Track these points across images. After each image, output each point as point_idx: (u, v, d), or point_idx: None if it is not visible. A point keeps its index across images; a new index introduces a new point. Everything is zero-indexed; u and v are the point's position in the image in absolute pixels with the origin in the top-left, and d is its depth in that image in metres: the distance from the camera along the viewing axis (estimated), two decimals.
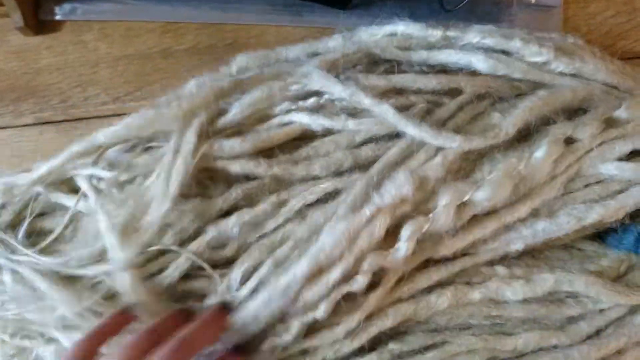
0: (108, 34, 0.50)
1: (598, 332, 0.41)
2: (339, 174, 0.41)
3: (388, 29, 0.44)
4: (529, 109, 0.40)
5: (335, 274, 0.36)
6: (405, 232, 0.37)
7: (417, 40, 0.44)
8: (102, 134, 0.42)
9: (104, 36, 0.50)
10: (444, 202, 0.38)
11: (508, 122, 0.39)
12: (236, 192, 0.41)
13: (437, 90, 0.42)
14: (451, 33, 0.43)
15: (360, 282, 0.37)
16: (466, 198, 0.38)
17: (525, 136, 0.42)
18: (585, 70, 0.42)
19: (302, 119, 0.41)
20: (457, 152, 0.39)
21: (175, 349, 0.32)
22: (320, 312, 0.37)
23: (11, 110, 0.50)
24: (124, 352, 0.32)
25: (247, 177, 0.41)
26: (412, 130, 0.40)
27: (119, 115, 0.49)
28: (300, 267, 0.36)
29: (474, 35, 0.43)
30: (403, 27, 0.43)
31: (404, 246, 0.37)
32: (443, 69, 0.44)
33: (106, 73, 0.50)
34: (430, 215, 0.38)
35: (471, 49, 0.42)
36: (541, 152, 0.39)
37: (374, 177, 0.39)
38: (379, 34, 0.45)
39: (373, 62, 0.44)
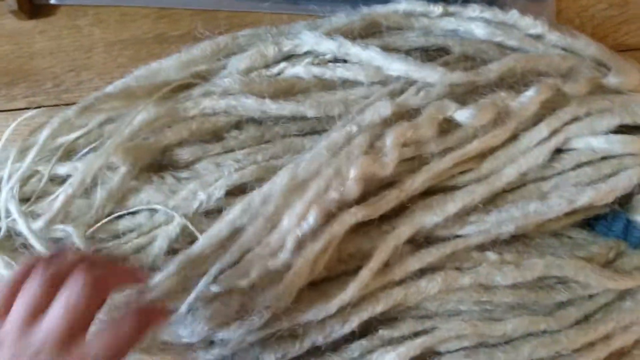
0: (103, 19, 0.50)
1: (587, 318, 0.41)
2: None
3: (391, 7, 0.46)
4: (516, 59, 0.41)
5: (316, 185, 0.37)
6: (389, 137, 0.38)
7: (420, 14, 0.46)
8: None
9: (99, 21, 0.50)
10: (428, 112, 0.39)
11: (493, 65, 0.40)
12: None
13: (426, 48, 0.45)
14: (452, 9, 0.45)
15: (351, 188, 0.37)
16: (449, 114, 0.40)
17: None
18: (577, 45, 0.44)
19: (295, 70, 0.44)
20: (441, 90, 0.41)
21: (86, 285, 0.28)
22: (310, 220, 0.37)
23: (4, 94, 0.49)
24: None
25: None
26: (398, 65, 0.42)
27: None
28: (280, 178, 0.37)
29: (473, 10, 0.45)
30: (405, 5, 0.46)
31: (390, 152, 0.38)
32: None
33: (100, 58, 0.50)
34: (413, 121, 0.39)
35: (471, 19, 0.45)
36: (532, 91, 0.40)
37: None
38: (383, 10, 0.46)
39: (372, 34, 0.45)
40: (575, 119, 0.41)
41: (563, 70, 0.42)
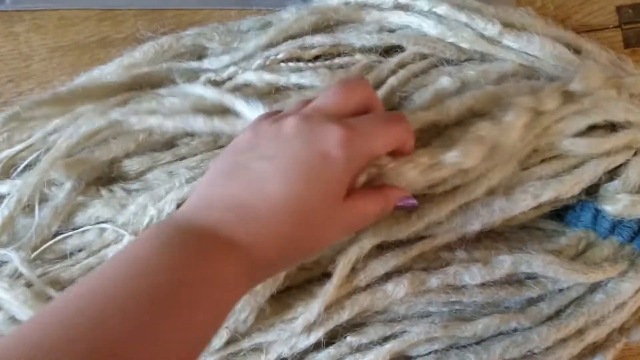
0: (41, 25, 0.47)
1: (558, 313, 0.39)
2: None
3: None
4: (475, 97, 0.38)
5: None
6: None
7: (370, 6, 0.43)
8: None
9: (37, 27, 0.47)
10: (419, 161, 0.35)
11: (452, 103, 0.37)
12: None
13: (379, 47, 0.42)
14: (403, 1, 0.43)
15: None
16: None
17: None
18: (532, 49, 0.41)
19: (245, 76, 0.42)
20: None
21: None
22: None
23: None
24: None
25: None
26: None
27: None
28: None
29: (425, 3, 0.42)
30: None
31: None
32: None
33: (40, 66, 0.46)
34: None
35: (423, 14, 0.42)
36: (510, 116, 0.36)
37: None
38: (333, 2, 0.44)
39: (323, 28, 0.43)
40: (546, 129, 0.38)
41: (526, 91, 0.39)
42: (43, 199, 0.41)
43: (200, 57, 0.44)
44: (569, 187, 0.39)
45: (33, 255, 0.39)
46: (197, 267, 0.26)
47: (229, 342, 0.38)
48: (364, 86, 0.33)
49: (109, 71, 0.42)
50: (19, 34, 0.47)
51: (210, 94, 0.39)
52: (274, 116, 0.32)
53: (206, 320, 0.26)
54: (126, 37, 0.46)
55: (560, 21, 0.47)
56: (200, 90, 0.40)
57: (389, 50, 0.43)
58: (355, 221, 0.33)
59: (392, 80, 0.40)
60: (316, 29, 0.44)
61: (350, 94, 0.32)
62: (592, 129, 0.40)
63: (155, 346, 0.23)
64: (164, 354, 0.23)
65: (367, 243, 0.38)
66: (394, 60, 0.41)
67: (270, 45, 0.43)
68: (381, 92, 0.40)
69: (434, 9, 0.42)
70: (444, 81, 0.39)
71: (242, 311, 0.37)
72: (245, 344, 0.38)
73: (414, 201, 0.36)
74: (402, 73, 0.41)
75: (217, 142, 0.42)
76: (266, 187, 0.29)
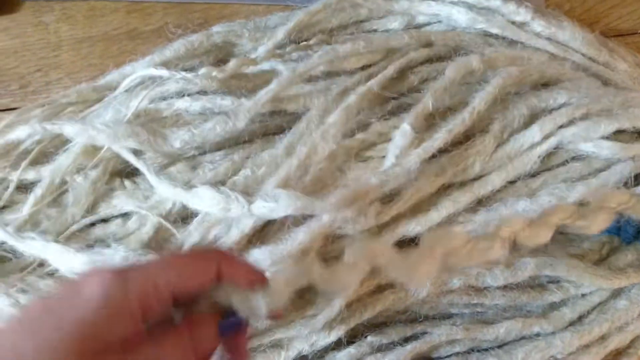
0: (70, 15, 0.47)
1: (580, 318, 0.39)
2: None
3: None
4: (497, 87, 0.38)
5: None
6: None
7: None
8: None
9: (66, 17, 0.47)
10: None
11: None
12: None
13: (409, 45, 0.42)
14: None
15: None
16: None
17: None
18: (562, 36, 0.41)
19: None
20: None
21: None
22: None
23: None
24: None
25: None
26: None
27: None
28: None
29: None
30: None
31: None
32: None
33: (69, 56, 0.46)
34: None
35: (452, 3, 0.42)
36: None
37: None
38: None
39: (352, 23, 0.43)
40: (571, 122, 0.38)
41: (544, 81, 0.40)
42: (67, 189, 0.41)
43: (229, 54, 0.44)
44: (594, 190, 0.38)
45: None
46: None
47: (249, 338, 0.38)
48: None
49: (139, 68, 0.42)
50: (48, 24, 0.46)
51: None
52: None
53: None
54: (154, 29, 0.46)
55: (589, 25, 0.46)
56: None
57: None
58: None
59: (412, 55, 0.40)
60: (346, 24, 0.44)
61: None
62: (619, 134, 0.39)
63: None
64: None
65: (389, 239, 0.38)
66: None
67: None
68: (399, 63, 0.40)
69: None
70: (473, 60, 0.38)
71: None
72: (266, 339, 0.38)
73: (235, 322, 0.27)
74: (424, 51, 0.40)
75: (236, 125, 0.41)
76: None
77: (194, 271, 0.26)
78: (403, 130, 0.37)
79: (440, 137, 0.37)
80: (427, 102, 0.38)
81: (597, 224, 0.34)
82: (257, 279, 0.27)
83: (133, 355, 0.23)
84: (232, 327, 0.27)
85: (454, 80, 0.39)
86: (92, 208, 0.40)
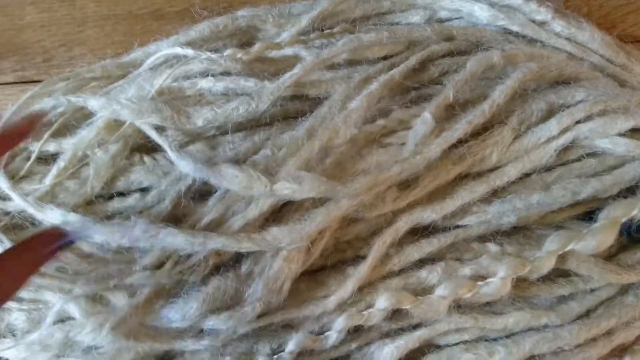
0: None
1: (588, 312, 0.39)
2: None
3: None
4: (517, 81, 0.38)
5: None
6: None
7: None
8: None
9: None
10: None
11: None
12: None
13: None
14: None
15: None
16: None
17: None
18: (581, 36, 0.41)
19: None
20: None
21: None
22: None
23: None
24: None
25: None
26: None
27: None
28: None
29: None
30: None
31: None
32: None
33: (93, 32, 0.46)
34: None
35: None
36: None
37: None
38: None
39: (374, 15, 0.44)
40: (589, 118, 0.38)
41: (562, 79, 0.40)
42: (87, 163, 0.41)
43: (252, 38, 0.44)
44: (608, 186, 0.38)
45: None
46: None
47: (260, 315, 0.38)
48: None
49: (164, 47, 0.42)
50: (74, 0, 0.47)
51: None
52: None
53: None
54: (179, 11, 0.47)
55: (605, 30, 0.46)
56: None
57: None
58: None
59: (434, 48, 0.40)
60: (366, 16, 0.45)
61: None
62: (635, 132, 0.40)
63: None
64: None
65: (403, 225, 0.38)
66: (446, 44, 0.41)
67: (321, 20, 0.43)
68: (421, 55, 0.40)
69: None
70: (494, 55, 0.39)
71: (277, 279, 0.37)
72: (277, 317, 0.38)
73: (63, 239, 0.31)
74: (446, 44, 0.40)
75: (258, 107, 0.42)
76: None
77: None
78: (424, 118, 0.37)
79: (460, 128, 0.37)
80: (447, 92, 0.38)
81: (605, 241, 0.36)
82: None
83: None
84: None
85: (475, 74, 0.39)
86: (110, 182, 0.41)
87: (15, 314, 0.39)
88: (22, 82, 0.46)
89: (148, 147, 0.42)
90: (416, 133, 0.37)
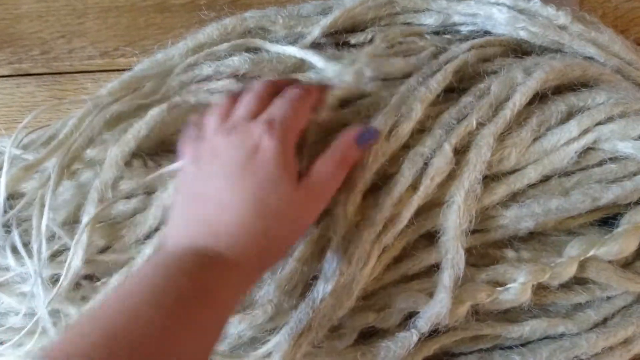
0: None
1: (605, 321, 0.38)
2: None
3: None
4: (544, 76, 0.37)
5: None
6: None
7: None
8: None
9: None
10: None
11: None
12: None
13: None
14: None
15: None
16: None
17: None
18: (601, 40, 0.40)
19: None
20: None
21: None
22: None
23: None
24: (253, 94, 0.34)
25: None
26: None
27: (107, 71, 0.43)
28: None
29: None
30: None
31: None
32: None
33: (94, 24, 0.44)
34: None
35: (491, 3, 0.41)
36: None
37: None
38: None
39: (386, 15, 0.42)
40: (609, 119, 0.37)
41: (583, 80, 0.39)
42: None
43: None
44: (629, 193, 0.37)
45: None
46: (203, 286, 0.28)
47: (272, 317, 0.36)
48: (269, 85, 0.35)
49: (174, 54, 0.40)
50: None
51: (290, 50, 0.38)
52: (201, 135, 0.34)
53: (216, 320, 0.29)
54: (184, 4, 0.44)
55: (620, 32, 0.45)
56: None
57: None
58: (318, 190, 0.32)
59: (465, 56, 0.39)
60: (379, 16, 0.43)
61: (260, 98, 0.34)
62: None
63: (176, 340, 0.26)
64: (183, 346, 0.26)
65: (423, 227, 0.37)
66: (465, 45, 0.39)
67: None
68: (452, 66, 0.38)
69: (501, 0, 0.41)
70: (517, 76, 0.37)
71: (289, 282, 0.36)
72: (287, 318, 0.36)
73: (371, 131, 0.35)
74: (474, 52, 0.39)
75: None
76: (223, 200, 0.31)
77: (307, 111, 0.34)
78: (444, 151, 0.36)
79: (484, 144, 0.36)
80: (471, 120, 0.37)
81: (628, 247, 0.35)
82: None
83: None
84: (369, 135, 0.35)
85: (499, 97, 0.38)
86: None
87: None
88: (18, 75, 0.43)
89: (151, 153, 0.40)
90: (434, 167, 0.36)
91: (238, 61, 0.40)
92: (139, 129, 0.38)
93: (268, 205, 0.30)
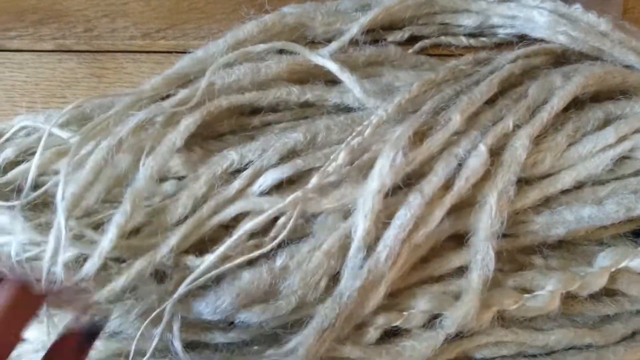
0: None
1: (634, 334, 0.36)
2: None
3: None
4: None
5: None
6: None
7: None
8: None
9: None
10: None
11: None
12: None
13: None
14: None
15: None
16: None
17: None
18: None
19: None
20: None
21: None
22: None
23: (31, 32, 0.43)
24: None
25: None
26: None
27: (147, 52, 0.43)
28: None
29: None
30: None
31: None
32: None
33: (138, 6, 0.44)
34: None
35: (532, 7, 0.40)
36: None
37: None
38: None
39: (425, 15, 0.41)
40: None
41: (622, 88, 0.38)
42: None
43: (301, 36, 0.42)
44: None
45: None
46: None
47: (295, 309, 0.36)
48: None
49: (213, 51, 0.40)
50: None
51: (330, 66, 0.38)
52: None
53: None
54: None
55: None
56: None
57: None
58: None
59: (511, 67, 0.38)
60: (418, 15, 0.43)
61: None
62: None
63: None
64: None
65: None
66: (511, 55, 0.39)
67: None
68: (498, 77, 0.38)
69: (542, 4, 0.40)
70: (556, 80, 0.37)
71: (314, 274, 0.35)
72: (311, 311, 0.35)
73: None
74: (520, 62, 0.38)
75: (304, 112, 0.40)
76: None
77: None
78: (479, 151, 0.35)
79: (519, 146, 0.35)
80: (507, 122, 0.36)
81: None
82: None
83: None
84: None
85: (537, 100, 0.37)
86: None
87: None
88: (61, 51, 0.43)
89: None
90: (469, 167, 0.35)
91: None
92: (173, 141, 0.36)
93: None
